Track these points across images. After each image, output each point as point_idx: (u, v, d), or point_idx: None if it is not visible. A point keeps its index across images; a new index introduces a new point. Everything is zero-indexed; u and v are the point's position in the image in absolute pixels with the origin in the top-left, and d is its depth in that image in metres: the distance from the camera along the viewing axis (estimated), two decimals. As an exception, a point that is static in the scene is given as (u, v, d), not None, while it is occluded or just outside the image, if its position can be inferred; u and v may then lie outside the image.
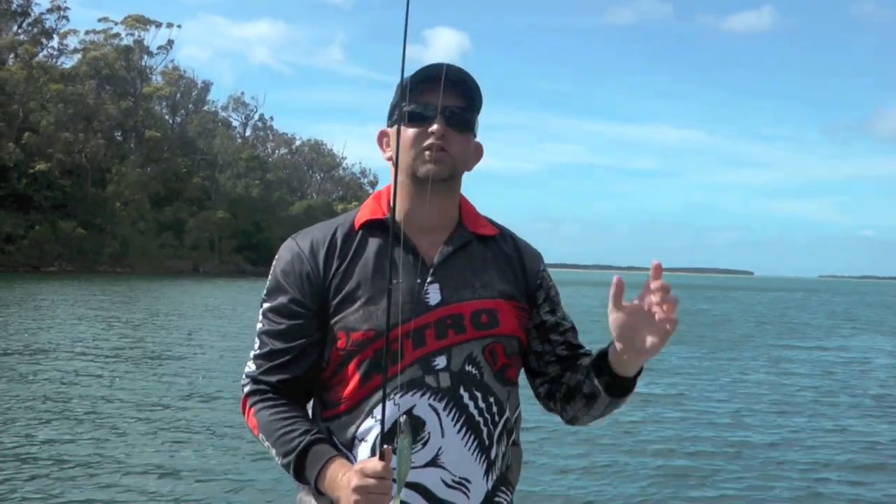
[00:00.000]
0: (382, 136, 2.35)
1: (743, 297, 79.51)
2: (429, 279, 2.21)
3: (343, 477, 2.04)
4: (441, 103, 2.18)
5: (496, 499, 2.23)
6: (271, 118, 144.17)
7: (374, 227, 2.27)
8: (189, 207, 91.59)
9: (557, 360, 2.32)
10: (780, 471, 10.35)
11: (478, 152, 2.34)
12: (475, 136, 2.31)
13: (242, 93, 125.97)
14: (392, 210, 2.19)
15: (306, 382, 2.26)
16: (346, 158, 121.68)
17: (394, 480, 1.98)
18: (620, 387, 2.15)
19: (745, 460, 10.88)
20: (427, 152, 2.19)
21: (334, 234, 2.28)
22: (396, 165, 2.23)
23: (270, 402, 2.22)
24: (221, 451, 10.39)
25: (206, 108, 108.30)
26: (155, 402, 13.39)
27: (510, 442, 2.28)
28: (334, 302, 2.21)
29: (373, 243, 2.25)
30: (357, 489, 1.96)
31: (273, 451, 2.18)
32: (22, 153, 78.02)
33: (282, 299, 2.25)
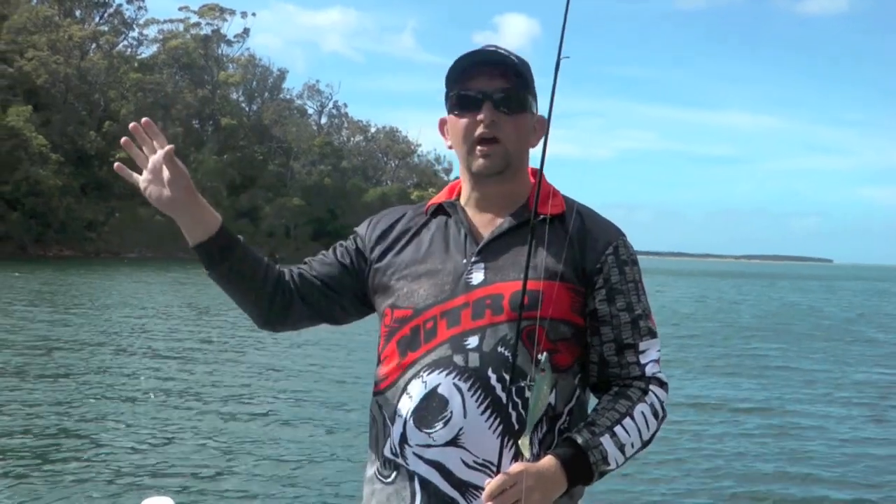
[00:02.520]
0: (443, 124, 2.32)
1: (829, 288, 77.07)
2: (474, 259, 2.19)
3: None
4: (489, 87, 2.16)
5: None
6: (346, 105, 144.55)
7: (439, 210, 2.32)
8: (265, 194, 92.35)
9: (599, 360, 2.20)
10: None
11: (541, 126, 2.26)
12: (535, 111, 2.25)
13: (317, 81, 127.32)
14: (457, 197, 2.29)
15: (309, 291, 2.34)
16: (420, 146, 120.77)
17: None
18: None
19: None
20: (478, 147, 2.18)
21: (402, 216, 2.36)
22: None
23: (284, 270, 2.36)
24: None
25: (281, 95, 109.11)
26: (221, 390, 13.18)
27: (555, 429, 2.14)
28: (385, 278, 2.27)
29: (433, 225, 2.30)
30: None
31: None
32: (103, 141, 79.42)
33: (337, 246, 2.42)
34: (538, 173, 2.22)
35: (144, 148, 2.23)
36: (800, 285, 77.34)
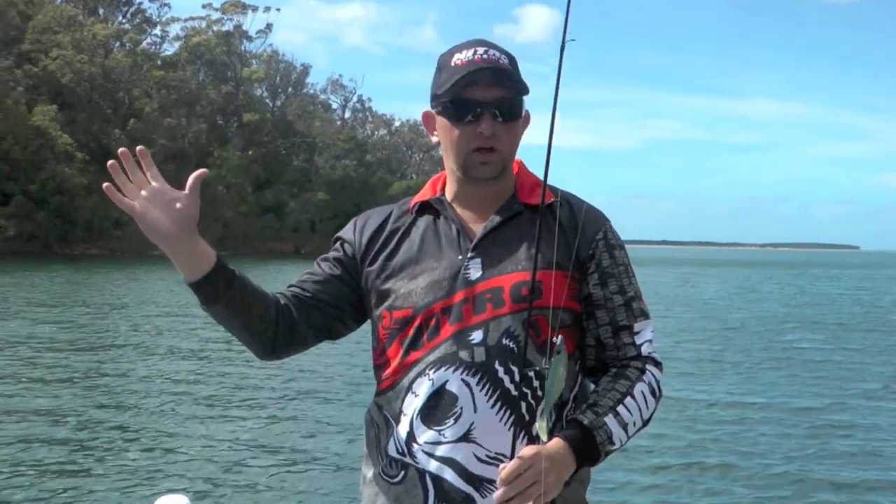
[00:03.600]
0: (428, 118, 2.30)
1: (865, 276, 75.92)
2: (470, 254, 2.18)
3: None
4: (488, 97, 2.14)
5: None
6: (369, 99, 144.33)
7: (425, 207, 2.30)
8: (290, 189, 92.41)
9: (596, 343, 2.21)
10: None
11: (526, 122, 2.27)
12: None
13: (340, 75, 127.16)
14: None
15: (309, 314, 2.27)
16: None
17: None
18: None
19: None
20: (476, 154, 2.17)
21: (388, 216, 2.33)
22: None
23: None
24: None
25: (305, 90, 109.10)
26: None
27: (563, 417, 2.17)
28: (379, 282, 2.24)
29: (421, 223, 2.28)
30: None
31: None
32: (127, 139, 79.66)
33: (321, 259, 2.35)
34: (543, 168, 2.17)
35: (134, 176, 2.13)
36: (841, 274, 75.74)
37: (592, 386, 2.26)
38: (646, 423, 2.18)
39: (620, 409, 2.11)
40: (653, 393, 2.18)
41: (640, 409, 2.14)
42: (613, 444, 2.10)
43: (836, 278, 65.64)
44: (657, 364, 2.22)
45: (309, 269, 2.37)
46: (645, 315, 2.25)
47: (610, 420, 2.09)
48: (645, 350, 2.22)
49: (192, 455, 9.37)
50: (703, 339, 21.22)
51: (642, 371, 2.19)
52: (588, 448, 2.07)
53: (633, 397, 2.14)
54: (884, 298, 40.59)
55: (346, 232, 2.36)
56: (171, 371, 14.88)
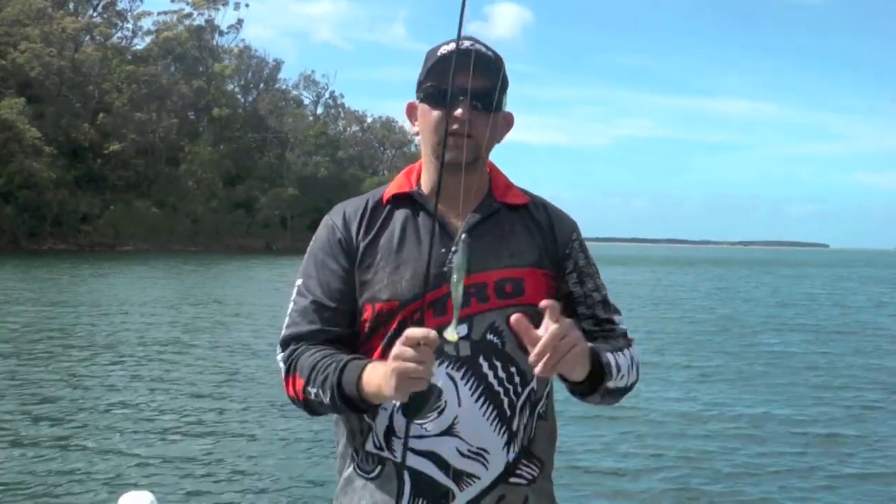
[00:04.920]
0: (411, 108, 2.32)
1: (839, 275, 76.56)
2: (454, 249, 2.11)
3: (382, 365, 2.00)
4: (465, 85, 2.14)
5: (518, 470, 2.19)
6: (342, 95, 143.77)
7: (401, 199, 2.29)
8: (261, 185, 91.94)
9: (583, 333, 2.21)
10: None
11: (508, 123, 2.32)
12: (503, 109, 2.27)
13: (313, 71, 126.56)
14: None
15: (335, 343, 2.21)
16: (417, 135, 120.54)
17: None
18: (582, 388, 2.13)
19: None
20: (451, 138, 2.16)
21: (366, 205, 2.30)
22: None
23: (306, 349, 2.20)
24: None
25: (277, 86, 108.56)
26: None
27: (535, 413, 2.23)
28: (360, 272, 2.23)
29: (399, 215, 2.27)
30: (394, 356, 1.92)
31: (316, 389, 2.11)
32: (97, 133, 78.97)
33: (319, 267, 2.26)
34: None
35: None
36: (811, 273, 76.06)
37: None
38: (628, 388, 2.25)
39: (617, 355, 2.18)
40: (635, 366, 2.25)
41: (628, 368, 2.21)
42: (611, 376, 2.14)
43: (808, 277, 65.94)
44: (633, 342, 2.32)
45: (322, 296, 2.25)
46: (618, 311, 2.34)
47: (610, 357, 2.15)
48: (628, 334, 2.31)
49: (155, 452, 9.29)
50: (685, 342, 21.16)
51: (629, 344, 2.27)
52: (596, 364, 2.11)
53: (623, 354, 2.21)
54: (851, 298, 40.87)
55: (336, 216, 2.32)
56: (133, 367, 14.74)
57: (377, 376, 2.00)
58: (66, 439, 9.74)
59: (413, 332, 1.91)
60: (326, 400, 2.11)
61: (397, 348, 1.92)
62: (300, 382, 2.17)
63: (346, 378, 2.07)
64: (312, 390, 2.13)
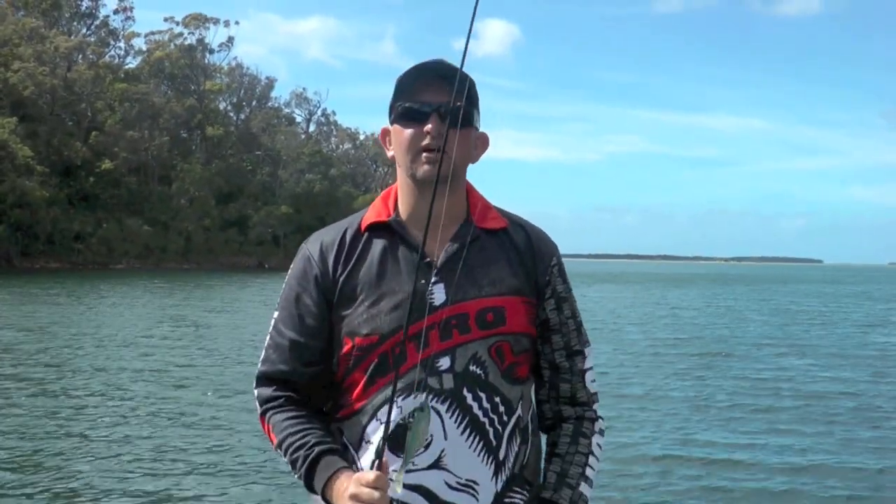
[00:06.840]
0: (385, 134, 2.31)
1: (844, 293, 76.62)
2: (433, 279, 2.16)
3: (345, 487, 2.04)
4: (436, 101, 2.15)
5: (507, 499, 2.19)
6: (334, 113, 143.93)
7: (379, 228, 2.25)
8: (253, 203, 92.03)
9: (550, 366, 2.28)
10: None
11: (483, 143, 2.30)
12: (478, 128, 2.25)
13: (305, 88, 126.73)
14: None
15: (312, 380, 2.24)
16: (394, 160, 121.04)
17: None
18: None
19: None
20: (424, 154, 2.15)
21: (343, 235, 2.26)
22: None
23: (283, 410, 2.22)
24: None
25: (269, 104, 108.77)
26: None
27: (525, 440, 2.23)
28: (339, 305, 2.20)
29: (377, 245, 2.23)
30: (352, 496, 1.98)
31: (286, 460, 2.18)
32: (90, 152, 78.98)
33: (294, 302, 2.25)
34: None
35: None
36: (812, 290, 75.68)
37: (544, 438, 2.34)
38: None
39: (588, 471, 2.24)
40: (602, 433, 2.31)
41: (598, 460, 2.27)
42: None
43: (806, 294, 65.54)
44: (597, 400, 2.35)
45: (296, 334, 2.25)
46: (588, 341, 2.35)
47: (584, 488, 2.21)
48: (594, 387, 2.33)
49: (131, 467, 9.33)
50: (685, 369, 21.17)
51: (594, 420, 2.30)
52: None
53: (594, 455, 2.27)
54: (852, 315, 40.86)
55: (313, 247, 2.28)
56: (121, 385, 14.68)
57: (340, 498, 2.05)
58: (44, 456, 9.72)
59: (366, 477, 1.97)
60: (295, 477, 2.19)
61: (354, 487, 1.98)
62: (273, 438, 2.22)
63: (316, 477, 2.12)
64: (284, 458, 2.20)
